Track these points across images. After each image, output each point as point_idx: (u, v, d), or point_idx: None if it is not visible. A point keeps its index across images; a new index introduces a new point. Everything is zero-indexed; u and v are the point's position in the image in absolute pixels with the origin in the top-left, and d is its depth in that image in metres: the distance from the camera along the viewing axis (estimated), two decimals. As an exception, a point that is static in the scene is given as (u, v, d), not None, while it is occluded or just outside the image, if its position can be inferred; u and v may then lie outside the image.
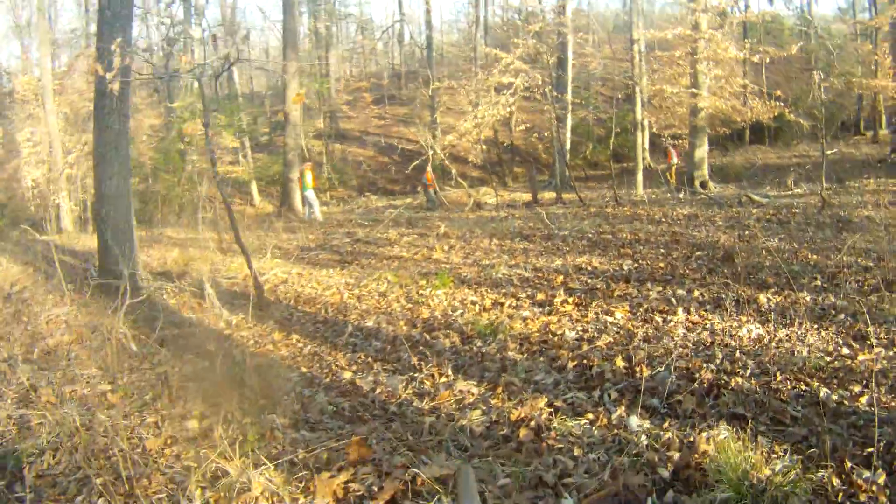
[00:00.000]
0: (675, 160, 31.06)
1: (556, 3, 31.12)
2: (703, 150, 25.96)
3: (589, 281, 9.82)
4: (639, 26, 24.18)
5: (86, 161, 28.89)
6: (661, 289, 8.96)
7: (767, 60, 24.86)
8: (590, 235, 14.11)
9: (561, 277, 10.18)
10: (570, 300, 8.74)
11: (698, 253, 11.20)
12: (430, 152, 26.52)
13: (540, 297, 9.15)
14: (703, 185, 25.33)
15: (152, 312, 9.85)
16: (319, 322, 9.58)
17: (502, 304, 9.00)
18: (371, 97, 54.69)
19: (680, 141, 30.24)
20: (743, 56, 24.48)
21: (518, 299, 9.22)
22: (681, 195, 22.40)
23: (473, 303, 9.39)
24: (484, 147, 36.64)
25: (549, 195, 28.35)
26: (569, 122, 33.51)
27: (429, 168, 28.09)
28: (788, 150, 40.12)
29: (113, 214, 12.02)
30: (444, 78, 26.84)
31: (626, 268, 10.55)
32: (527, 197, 28.02)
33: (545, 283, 10.08)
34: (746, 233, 12.98)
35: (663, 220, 15.93)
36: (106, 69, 10.16)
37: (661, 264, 10.59)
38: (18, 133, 30.96)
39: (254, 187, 40.19)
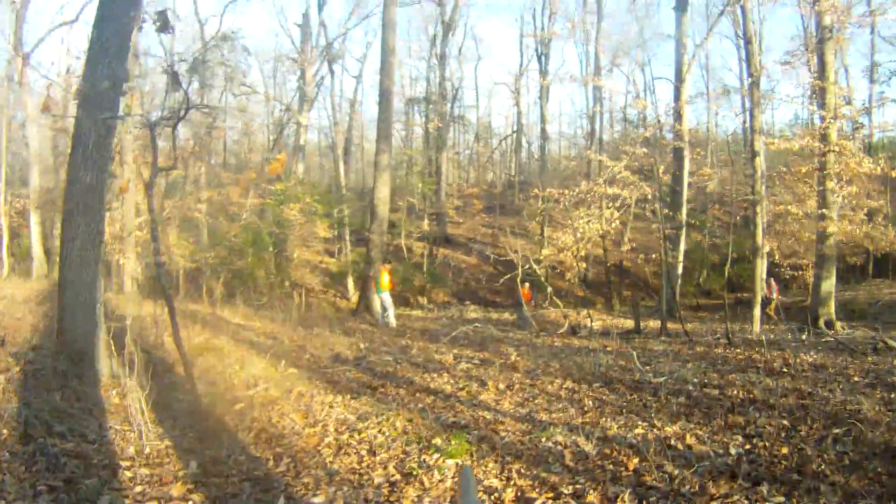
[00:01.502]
0: (774, 294, 27.65)
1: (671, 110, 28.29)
2: (830, 284, 22.38)
3: (675, 473, 6.45)
4: (760, 141, 20.84)
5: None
6: (783, 500, 5.74)
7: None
8: (690, 388, 10.50)
9: (636, 460, 6.84)
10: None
11: (836, 431, 7.58)
12: (525, 266, 23.46)
13: (592, 498, 5.98)
14: (829, 324, 21.68)
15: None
16: (249, 479, 6.86)
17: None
18: (482, 204, 52.49)
19: (800, 273, 26.98)
20: (880, 170, 20.87)
21: (560, 496, 6.03)
22: (803, 336, 18.61)
23: (491, 492, 6.27)
24: (583, 265, 34.39)
25: (653, 324, 25.04)
26: (682, 245, 30.02)
27: (526, 284, 25.24)
28: None
29: (74, 283, 9.78)
30: (554, 190, 23.88)
31: (733, 451, 7.11)
32: (629, 324, 24.42)
33: (610, 468, 6.79)
34: (894, 395, 9.34)
35: (785, 370, 12.14)
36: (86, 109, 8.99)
37: (784, 449, 7.08)
38: None
39: (350, 281, 38.48)
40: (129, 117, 11.48)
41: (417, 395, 10.54)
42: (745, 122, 49.70)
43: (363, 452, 7.66)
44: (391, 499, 6.30)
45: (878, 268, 38.78)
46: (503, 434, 8.16)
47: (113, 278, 28.56)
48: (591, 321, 22.54)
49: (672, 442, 7.52)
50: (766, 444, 7.32)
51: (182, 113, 9.83)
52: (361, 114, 56.46)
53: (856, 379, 10.98)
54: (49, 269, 33.19)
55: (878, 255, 26.01)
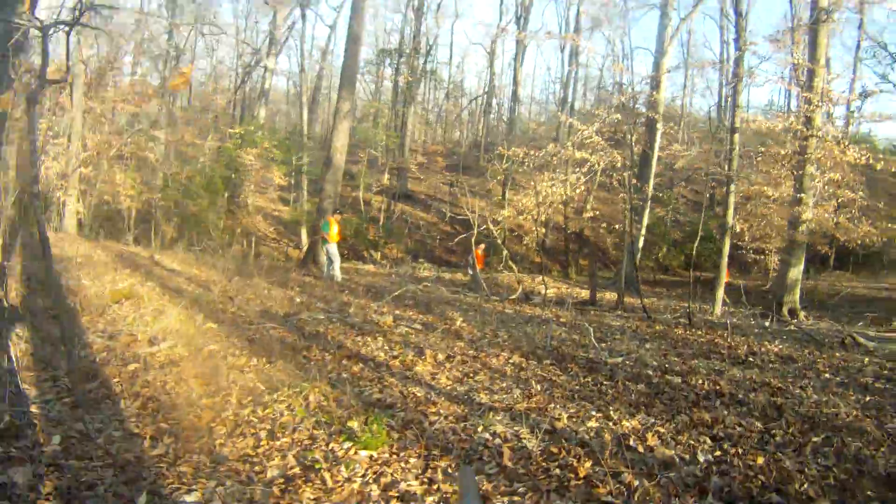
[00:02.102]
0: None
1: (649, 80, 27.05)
2: (797, 272, 21.43)
3: (635, 484, 5.25)
4: (740, 117, 19.72)
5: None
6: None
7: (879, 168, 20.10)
8: (650, 373, 9.30)
9: (588, 464, 5.62)
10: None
11: (815, 439, 6.46)
12: (481, 227, 22.20)
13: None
14: (793, 313, 20.76)
15: None
16: (114, 465, 5.53)
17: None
18: (445, 163, 51.08)
19: (761, 257, 26.07)
20: (863, 160, 19.79)
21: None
22: (766, 323, 17.55)
23: (407, 499, 5.11)
24: (542, 230, 33.30)
25: (610, 296, 23.94)
26: (645, 219, 28.92)
27: (481, 245, 24.01)
28: (876, 281, 35.04)
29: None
30: (519, 150, 22.63)
31: (701, 458, 5.94)
32: (585, 294, 23.36)
33: (556, 473, 5.54)
34: (869, 399, 8.27)
35: (751, 359, 11.08)
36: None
37: (760, 459, 5.90)
38: (42, 120, 27.87)
39: (303, 231, 36.57)
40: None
41: (344, 362, 9.18)
42: (724, 98, 49.29)
43: (262, 434, 6.37)
44: (281, 501, 5.06)
45: (839, 260, 38.30)
46: (433, 418, 6.89)
47: (54, 217, 27.20)
48: (546, 288, 21.34)
49: (631, 441, 6.29)
50: (739, 450, 6.14)
51: (78, 14, 8.28)
52: (333, 64, 54.75)
53: (826, 375, 10.00)
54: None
55: (845, 246, 25.12)
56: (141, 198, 31.25)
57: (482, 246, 24.67)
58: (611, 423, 6.84)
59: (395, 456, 5.89)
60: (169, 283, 15.09)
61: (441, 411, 7.11)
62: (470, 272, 23.81)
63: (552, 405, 7.48)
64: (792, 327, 16.51)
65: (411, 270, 29.88)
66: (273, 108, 62.82)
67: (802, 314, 21.05)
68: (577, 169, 20.35)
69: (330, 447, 6.07)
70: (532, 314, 15.79)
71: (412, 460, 5.80)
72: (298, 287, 17.08)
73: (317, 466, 5.61)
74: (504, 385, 8.28)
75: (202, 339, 9.70)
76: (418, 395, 7.72)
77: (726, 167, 19.30)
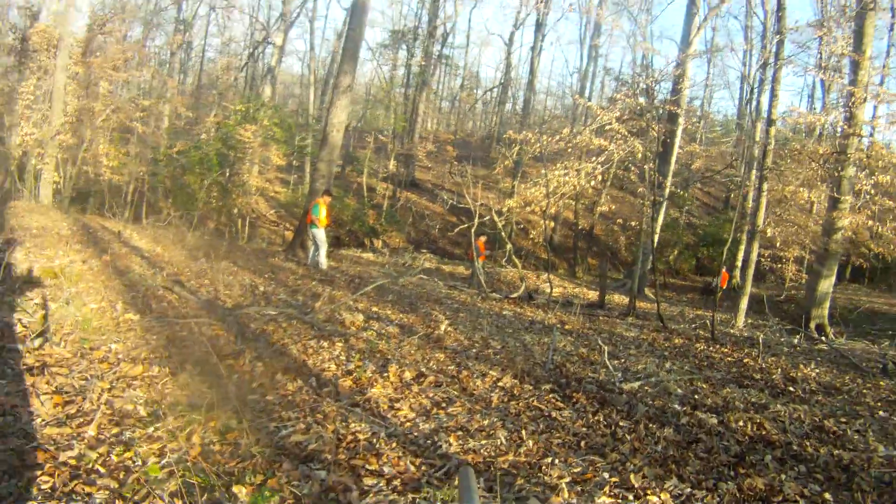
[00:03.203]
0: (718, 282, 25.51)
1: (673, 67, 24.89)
2: (829, 283, 19.37)
3: None
4: (775, 115, 17.64)
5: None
6: None
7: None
8: (676, 407, 7.06)
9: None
10: None
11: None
12: (485, 217, 20.12)
13: None
14: (821, 329, 18.81)
15: None
16: None
17: None
18: (456, 152, 49.10)
19: (779, 265, 24.05)
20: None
21: None
22: (795, 340, 15.38)
23: None
24: (551, 224, 31.26)
25: (620, 299, 21.95)
26: (660, 219, 26.76)
27: (482, 237, 21.95)
28: (892, 295, 33.46)
29: None
30: (531, 134, 20.61)
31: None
32: (594, 296, 21.33)
33: None
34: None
35: (790, 388, 9.00)
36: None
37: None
38: (23, 83, 26.34)
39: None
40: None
41: (278, 376, 6.84)
42: (744, 98, 46.88)
43: (101, 495, 4.09)
44: None
45: (853, 273, 36.58)
46: (370, 483, 4.57)
47: (30, 185, 25.45)
48: (552, 287, 19.15)
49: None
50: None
51: None
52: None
53: (881, 413, 8.03)
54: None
55: (865, 260, 23.47)
56: (124, 170, 29.22)
57: (483, 238, 22.72)
58: (631, 498, 4.61)
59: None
60: (119, 261, 12.97)
61: (386, 470, 4.79)
62: (471, 266, 21.79)
63: (548, 459, 5.24)
64: (821, 345, 14.57)
65: (411, 261, 27.78)
66: (286, 91, 61.40)
67: (830, 330, 18.94)
68: (594, 158, 18.11)
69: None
70: (534, 318, 13.68)
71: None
72: (270, 273, 14.99)
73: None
74: (486, 423, 5.98)
75: (106, 335, 7.45)
76: (361, 436, 5.39)
77: (755, 165, 17.19)
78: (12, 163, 25.84)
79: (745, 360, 10.87)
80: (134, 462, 4.56)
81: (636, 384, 7.88)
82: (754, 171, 24.22)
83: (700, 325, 15.46)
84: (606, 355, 8.92)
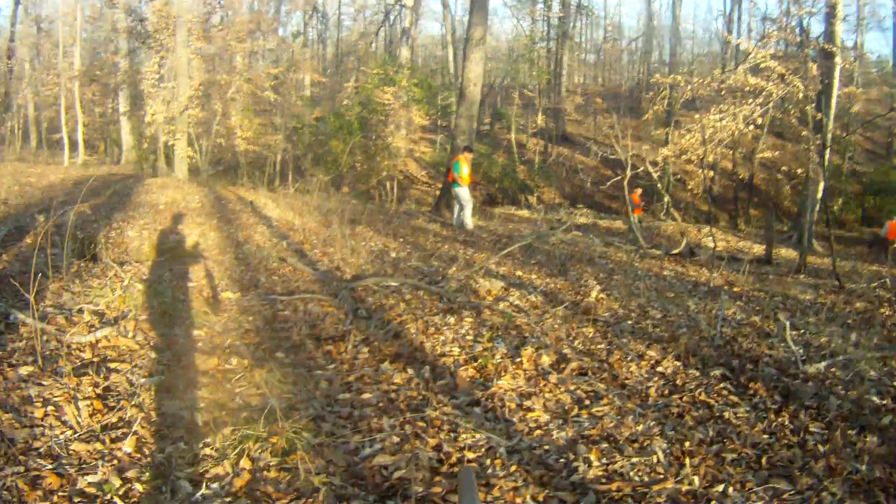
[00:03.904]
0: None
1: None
2: None
3: None
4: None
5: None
6: None
7: None
8: (875, 400, 5.26)
9: None
10: None
11: None
12: (639, 168, 18.40)
13: None
14: None
15: None
16: None
17: None
18: (606, 105, 47.25)
19: None
20: None
21: None
22: None
23: None
24: (711, 174, 29.20)
25: (788, 253, 20.20)
26: (825, 164, 24.50)
27: (637, 189, 20.46)
28: None
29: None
30: (681, 77, 19.05)
31: None
32: (759, 250, 19.72)
33: None
34: None
35: None
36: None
37: None
38: (146, 63, 26.60)
39: (454, 173, 33.84)
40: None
41: (385, 366, 5.58)
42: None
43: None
44: None
45: None
46: None
47: (161, 162, 26.00)
48: (715, 242, 17.42)
49: None
50: None
51: None
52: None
53: None
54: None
55: None
56: (261, 140, 28.80)
57: (638, 190, 21.20)
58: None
59: None
60: (240, 232, 12.24)
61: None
62: (627, 221, 20.54)
63: (720, 487, 3.80)
64: None
65: (565, 216, 26.29)
66: (427, 53, 60.98)
67: None
68: (751, 101, 16.22)
69: None
70: (697, 278, 12.06)
71: None
72: (409, 237, 13.78)
73: None
74: (639, 429, 4.54)
75: (190, 320, 6.38)
76: (470, 454, 4.08)
77: None
78: (145, 141, 25.83)
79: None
80: (163, 493, 3.40)
81: (822, 365, 6.26)
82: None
83: (880, 283, 13.48)
84: (787, 331, 7.25)
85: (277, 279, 8.80)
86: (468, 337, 6.54)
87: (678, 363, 5.99)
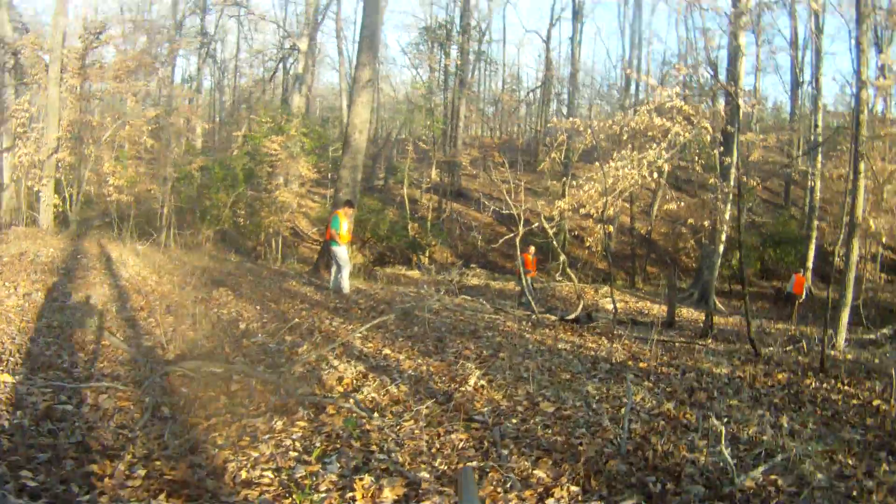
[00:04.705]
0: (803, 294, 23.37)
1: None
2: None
3: None
4: (870, 86, 14.49)
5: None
6: None
7: None
8: None
9: None
10: None
11: None
12: (534, 225, 17.72)
13: None
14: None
15: None
16: None
17: None
18: (503, 158, 46.84)
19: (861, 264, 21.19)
20: None
21: None
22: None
23: None
24: (610, 228, 28.41)
25: (689, 314, 19.95)
26: (727, 215, 23.60)
27: (530, 248, 20.08)
28: None
29: None
30: (578, 121, 18.20)
31: None
32: (659, 310, 19.17)
33: None
34: None
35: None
36: None
37: None
38: (17, 101, 24.31)
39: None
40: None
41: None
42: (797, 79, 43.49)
43: None
44: None
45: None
46: None
47: (24, 210, 23.51)
48: (615, 307, 16.20)
49: None
50: None
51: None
52: (384, 52, 51.68)
53: None
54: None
55: None
56: (134, 190, 26.79)
57: (532, 249, 20.05)
58: None
59: None
60: (76, 295, 10.65)
61: None
62: (519, 283, 19.56)
63: None
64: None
65: (458, 278, 24.94)
66: (324, 103, 59.93)
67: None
68: (655, 145, 15.16)
69: None
70: (597, 351, 10.58)
71: None
72: (274, 303, 12.21)
73: None
74: None
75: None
76: None
77: (852, 141, 14.25)
78: (9, 186, 23.74)
79: (877, 403, 7.81)
80: None
81: (759, 472, 4.88)
82: (850, 146, 20.59)
83: (795, 346, 12.31)
84: (701, 388, 5.67)
85: (83, 357, 7.04)
86: (292, 453, 4.74)
87: (576, 489, 4.33)
